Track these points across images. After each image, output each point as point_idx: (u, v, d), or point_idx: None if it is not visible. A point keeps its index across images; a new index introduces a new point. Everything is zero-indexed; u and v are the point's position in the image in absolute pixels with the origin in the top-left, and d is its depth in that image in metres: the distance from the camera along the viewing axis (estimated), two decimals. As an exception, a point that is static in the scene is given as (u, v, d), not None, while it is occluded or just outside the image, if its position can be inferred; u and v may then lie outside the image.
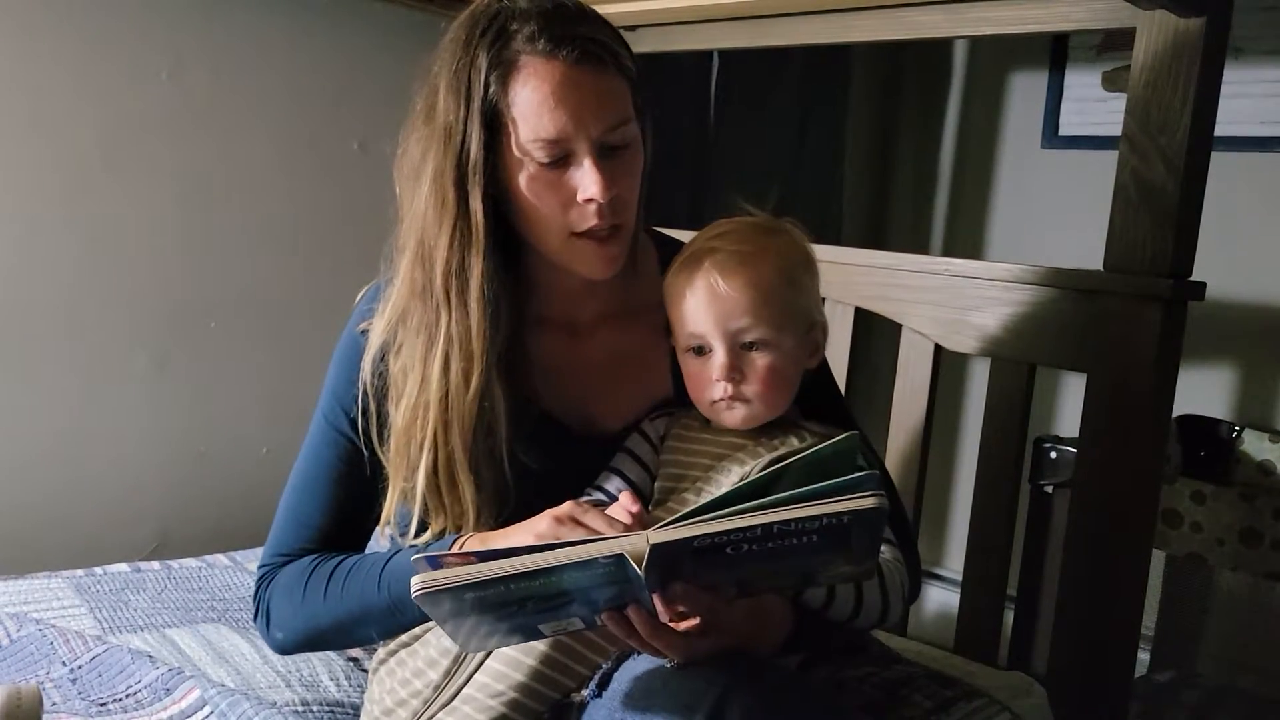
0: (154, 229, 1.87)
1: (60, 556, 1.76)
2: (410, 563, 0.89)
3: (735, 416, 1.09)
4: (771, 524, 0.82)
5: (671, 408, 1.17)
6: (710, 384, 1.08)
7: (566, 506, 0.98)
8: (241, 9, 1.91)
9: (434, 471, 1.08)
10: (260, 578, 1.19)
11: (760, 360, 1.07)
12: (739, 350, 1.07)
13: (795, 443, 1.09)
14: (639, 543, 0.83)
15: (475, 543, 1.06)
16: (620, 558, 0.83)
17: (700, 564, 0.87)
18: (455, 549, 1.07)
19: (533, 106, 1.03)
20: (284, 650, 1.20)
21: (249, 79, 1.94)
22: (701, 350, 1.09)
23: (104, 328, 1.85)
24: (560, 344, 1.18)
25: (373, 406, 1.12)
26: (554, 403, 1.16)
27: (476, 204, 1.05)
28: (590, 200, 1.05)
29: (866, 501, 0.81)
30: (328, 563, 1.15)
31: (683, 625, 0.93)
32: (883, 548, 1.04)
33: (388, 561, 1.11)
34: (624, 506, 0.96)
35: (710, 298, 1.07)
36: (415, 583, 0.85)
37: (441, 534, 1.10)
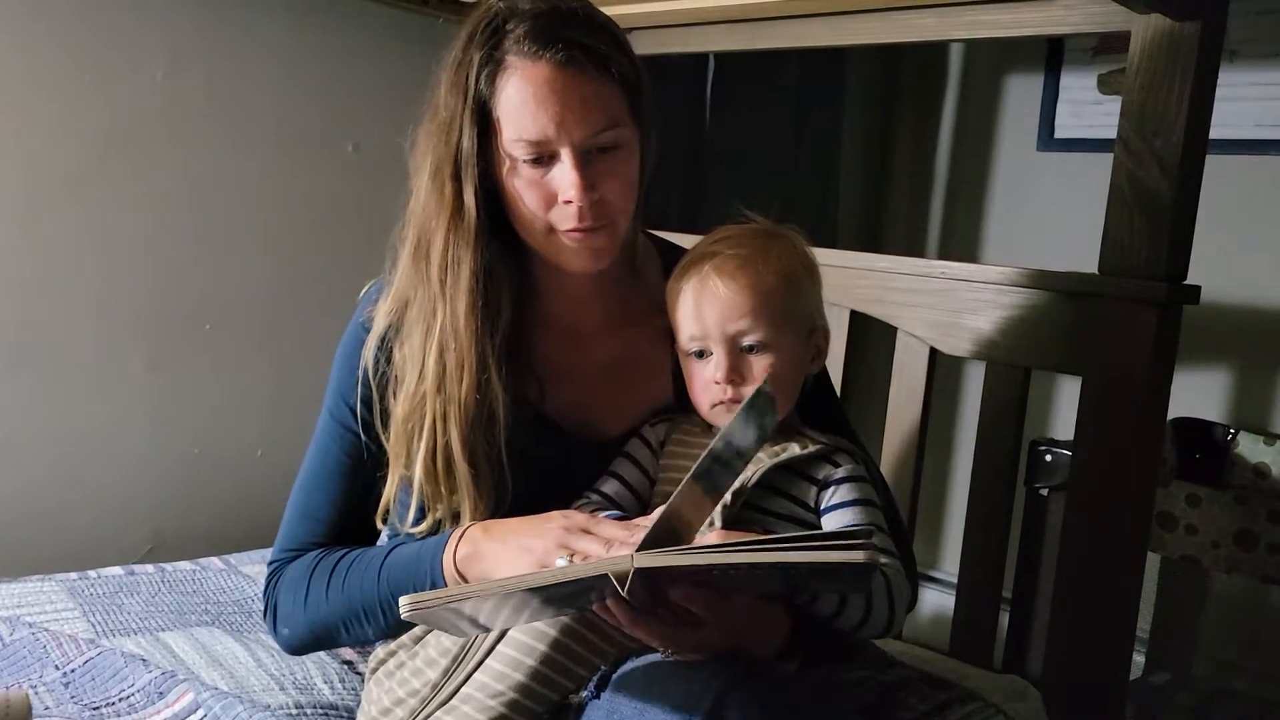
0: (149, 230, 1.87)
1: (54, 559, 1.76)
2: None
3: None
4: (758, 563, 0.83)
5: (673, 413, 1.17)
6: (710, 386, 1.08)
7: (581, 518, 1.00)
8: (237, 10, 1.91)
9: (432, 460, 1.09)
10: (269, 575, 1.20)
11: (760, 362, 1.07)
12: (739, 353, 1.07)
13: (796, 449, 1.08)
14: (624, 564, 0.84)
15: (477, 531, 1.07)
16: (604, 577, 0.84)
17: (686, 580, 0.89)
18: (455, 539, 1.07)
19: (515, 106, 1.04)
20: (291, 649, 1.21)
21: (244, 80, 1.94)
22: (702, 353, 1.09)
23: (99, 329, 1.84)
24: (563, 348, 1.19)
25: (375, 394, 1.13)
26: (556, 405, 1.16)
27: (470, 198, 1.06)
28: (570, 201, 1.05)
29: (855, 555, 0.79)
30: (331, 557, 1.16)
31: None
32: (885, 558, 1.04)
33: (388, 555, 1.11)
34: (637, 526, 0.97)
35: (710, 300, 1.07)
36: (404, 603, 0.89)
37: (439, 524, 1.11)
